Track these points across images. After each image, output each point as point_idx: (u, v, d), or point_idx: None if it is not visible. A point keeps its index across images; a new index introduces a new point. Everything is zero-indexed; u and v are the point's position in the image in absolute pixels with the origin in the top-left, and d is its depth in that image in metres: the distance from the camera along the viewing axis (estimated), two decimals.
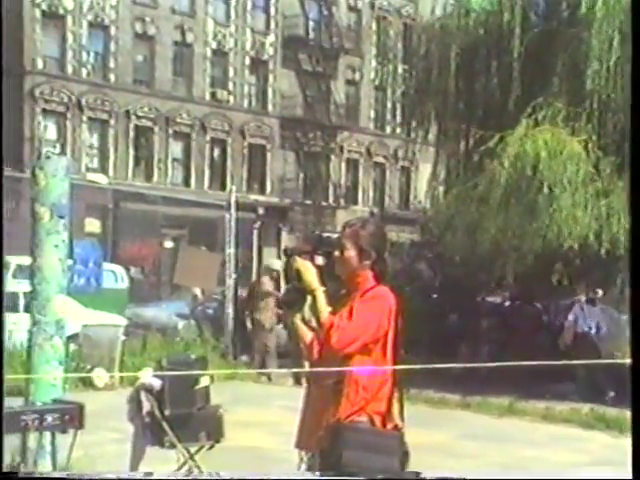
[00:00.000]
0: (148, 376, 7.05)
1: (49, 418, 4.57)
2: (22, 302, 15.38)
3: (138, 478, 4.43)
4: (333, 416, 4.22)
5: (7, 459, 6.51)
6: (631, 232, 4.21)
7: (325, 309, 4.32)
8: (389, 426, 4.32)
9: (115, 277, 23.29)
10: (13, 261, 22.68)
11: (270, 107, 42.13)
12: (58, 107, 35.67)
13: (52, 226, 7.03)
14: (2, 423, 4.01)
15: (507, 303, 17.47)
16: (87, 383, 12.57)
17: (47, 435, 4.79)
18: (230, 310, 16.77)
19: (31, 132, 34.29)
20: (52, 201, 7.02)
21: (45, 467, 5.05)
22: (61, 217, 7.09)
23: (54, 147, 32.12)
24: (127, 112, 37.19)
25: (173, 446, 6.75)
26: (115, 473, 4.46)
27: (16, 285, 17.48)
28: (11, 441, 6.38)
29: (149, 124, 38.09)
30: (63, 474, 4.34)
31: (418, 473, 4.19)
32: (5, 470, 4.09)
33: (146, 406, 6.81)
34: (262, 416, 10.68)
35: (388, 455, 4.19)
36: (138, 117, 37.67)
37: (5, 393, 10.07)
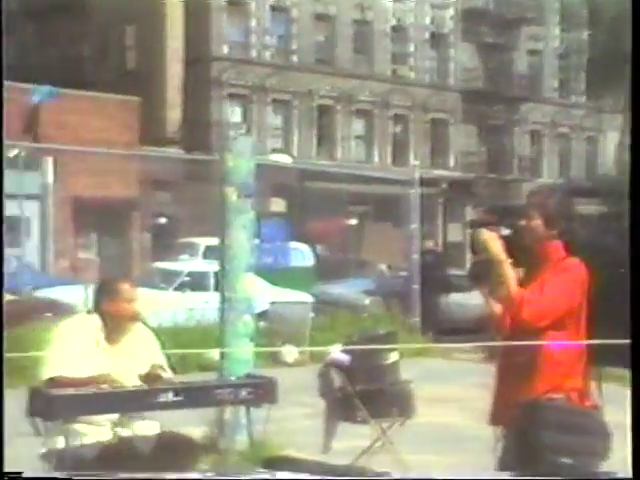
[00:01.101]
0: (338, 352, 7.06)
1: (243, 392, 4.63)
2: (212, 281, 15.81)
3: (142, 478, 4.46)
4: (528, 393, 4.10)
5: (206, 432, 6.68)
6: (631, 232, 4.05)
7: (513, 282, 4.19)
8: (587, 404, 4.16)
9: (301, 255, 23.62)
10: (203, 242, 23.38)
11: (451, 81, 41.71)
12: (243, 91, 36.42)
13: (239, 206, 7.14)
14: (2, 423, 4.09)
15: None
16: (277, 359, 12.77)
17: (242, 409, 4.86)
18: (416, 286, 16.69)
19: (218, 116, 35.11)
20: (239, 181, 7.14)
21: (242, 440, 5.15)
22: (248, 197, 7.20)
23: (240, 130, 32.78)
24: (309, 92, 37.58)
25: (365, 422, 6.72)
26: (114, 474, 4.49)
27: (206, 265, 18.00)
28: (208, 414, 6.55)
29: (331, 103, 38.39)
30: (64, 474, 4.40)
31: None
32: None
33: (337, 382, 6.82)
34: (452, 392, 10.57)
35: (589, 436, 4.02)
36: (320, 96, 38.01)
37: (200, 368, 10.35)
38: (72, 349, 4.79)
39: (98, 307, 4.99)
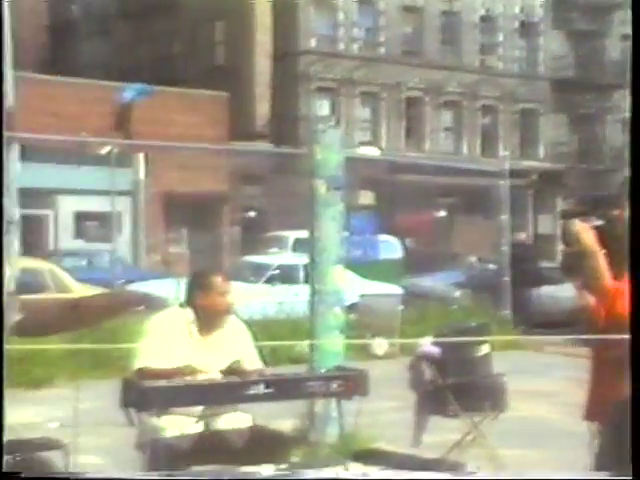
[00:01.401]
0: (428, 344, 7.00)
1: (334, 385, 4.61)
2: (301, 274, 15.87)
3: (142, 479, 4.42)
4: (624, 388, 3.99)
5: (296, 424, 6.68)
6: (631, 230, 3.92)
7: (607, 273, 4.09)
8: None
9: (390, 248, 23.56)
10: (292, 235, 23.49)
11: (541, 70, 41.11)
12: (331, 84, 36.44)
13: (328, 198, 7.14)
14: (2, 423, 4.07)
15: None
16: (367, 352, 12.75)
17: (332, 402, 4.85)
18: (507, 278, 16.51)
19: (306, 110, 35.19)
20: (328, 174, 7.14)
21: (332, 433, 5.13)
22: (337, 189, 7.20)
23: (328, 122, 32.82)
24: (397, 84, 37.42)
25: (457, 416, 6.64)
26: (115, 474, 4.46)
27: (296, 258, 18.08)
28: (299, 407, 6.56)
29: (419, 95, 38.18)
30: (65, 474, 4.37)
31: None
32: (12, 474, 4.15)
33: (427, 374, 6.77)
34: (545, 386, 10.42)
35: None
36: (408, 88, 37.83)
37: (290, 360, 10.38)
38: (165, 341, 4.83)
39: (191, 300, 5.01)
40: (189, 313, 4.96)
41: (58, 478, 4.10)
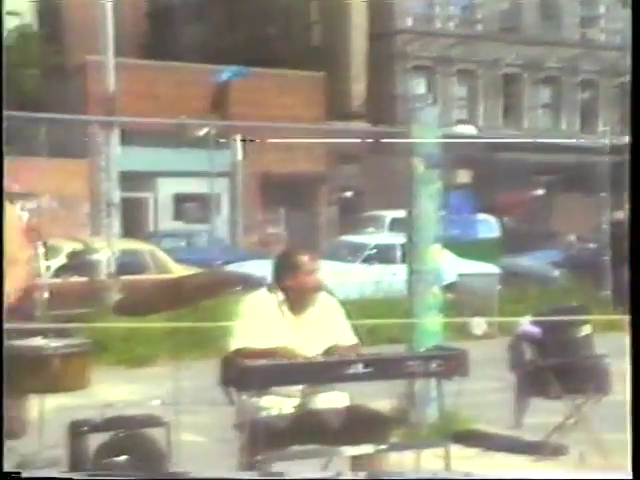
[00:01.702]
0: (528, 324, 6.89)
1: (433, 364, 4.55)
2: (398, 253, 15.81)
3: (149, 479, 4.36)
4: None
5: (394, 405, 6.64)
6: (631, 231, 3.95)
7: None
8: None
9: (488, 227, 23.32)
10: (389, 215, 23.42)
11: None
12: (427, 62, 36.16)
13: (426, 176, 7.08)
14: (2, 423, 4.03)
15: None
16: (465, 332, 12.63)
17: (432, 382, 4.80)
18: (607, 257, 16.16)
19: (402, 89, 35.00)
20: (426, 152, 7.07)
21: (432, 414, 5.09)
22: (435, 167, 7.13)
23: (425, 101, 32.60)
24: (495, 61, 36.91)
25: (558, 398, 6.50)
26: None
27: (393, 237, 18.02)
28: (397, 387, 6.52)
29: (517, 71, 37.61)
30: (65, 474, 4.32)
31: None
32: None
33: (527, 355, 6.65)
34: None
35: None
36: (506, 65, 37.29)
37: (388, 340, 10.34)
38: (258, 322, 4.84)
39: (279, 281, 4.99)
40: (279, 295, 4.94)
41: (58, 478, 4.10)
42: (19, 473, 3.99)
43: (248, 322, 4.84)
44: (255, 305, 4.94)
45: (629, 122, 3.87)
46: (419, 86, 36.14)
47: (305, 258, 4.98)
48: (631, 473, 3.75)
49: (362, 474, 4.38)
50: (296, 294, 4.93)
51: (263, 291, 5.07)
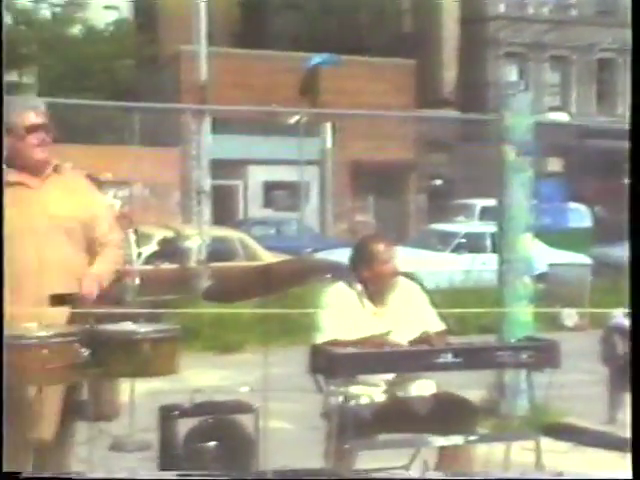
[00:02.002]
0: (620, 316, 6.73)
1: (524, 355, 4.47)
2: (489, 243, 15.65)
3: (145, 479, 4.25)
4: None
5: (484, 395, 6.56)
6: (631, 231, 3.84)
7: None
8: None
9: (579, 216, 22.95)
10: (479, 203, 23.19)
11: None
12: (519, 49, 35.70)
13: (517, 164, 6.98)
14: (2, 423, 3.96)
15: None
16: (557, 323, 12.44)
17: (522, 373, 4.71)
18: None
19: (494, 76, 34.63)
20: (518, 139, 6.97)
21: (522, 405, 5.01)
22: (526, 155, 7.02)
23: (518, 87, 32.19)
24: (589, 46, 36.25)
25: None
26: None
27: (483, 226, 17.84)
28: (486, 378, 6.45)
29: (613, 56, 36.86)
30: (64, 474, 4.23)
31: None
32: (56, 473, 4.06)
33: (620, 348, 6.51)
34: None
35: None
36: (601, 50, 36.59)
37: (478, 330, 10.25)
38: (341, 311, 4.81)
39: (356, 271, 4.94)
40: (357, 286, 4.90)
41: (58, 478, 4.10)
42: (19, 473, 4.02)
43: (333, 311, 4.81)
44: (335, 298, 4.90)
45: (630, 124, 3.82)
46: (511, 73, 35.70)
47: (380, 246, 4.91)
48: (631, 473, 3.63)
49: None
50: (374, 284, 4.88)
51: (342, 284, 5.01)
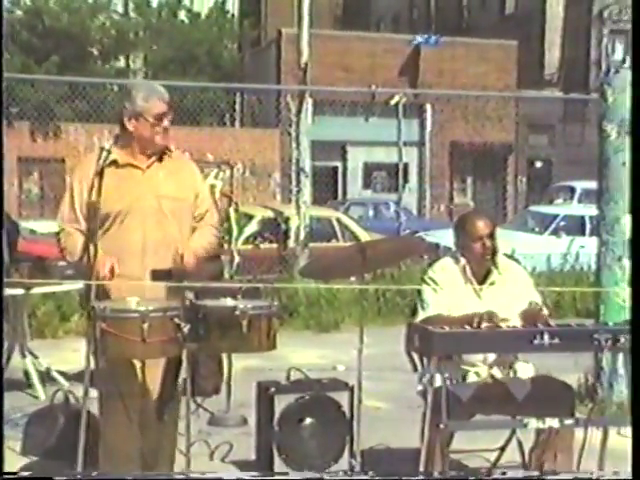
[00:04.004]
0: None
1: (622, 339, 4.37)
2: (588, 225, 15.33)
3: (143, 478, 4.14)
4: None
5: (581, 379, 6.43)
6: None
7: None
8: None
9: None
10: (579, 185, 22.76)
11: None
12: (625, 26, 34.88)
13: (619, 144, 6.79)
14: (2, 424, 3.89)
15: None
16: None
17: (620, 357, 4.60)
18: None
19: (597, 55, 33.94)
20: (620, 117, 6.77)
21: (620, 390, 4.90)
22: (628, 134, 6.84)
23: (622, 65, 31.47)
24: None
25: None
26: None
27: (582, 209, 17.47)
28: (584, 361, 6.32)
29: None
30: (64, 475, 4.13)
31: None
32: (7, 471, 3.98)
33: None
34: None
35: None
36: None
37: (576, 314, 10.07)
38: (446, 286, 4.78)
39: (458, 247, 4.91)
40: (461, 261, 4.87)
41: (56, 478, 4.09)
42: (15, 473, 4.06)
43: (436, 290, 4.79)
44: (441, 273, 4.88)
45: (630, 125, 3.71)
46: (615, 51, 34.92)
47: (480, 223, 4.87)
48: (631, 473, 3.54)
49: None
50: (475, 261, 4.84)
51: (448, 259, 5.01)
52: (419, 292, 4.86)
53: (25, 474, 4.18)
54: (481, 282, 4.85)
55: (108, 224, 4.37)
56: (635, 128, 3.69)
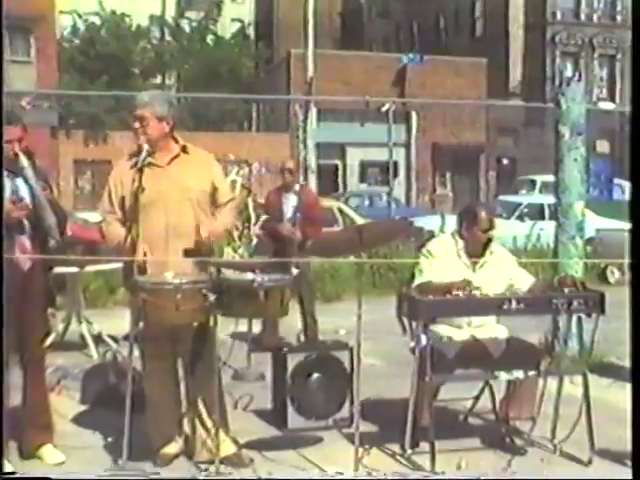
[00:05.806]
0: None
1: (575, 303, 4.36)
2: (547, 211, 15.30)
3: (142, 478, 4.09)
4: None
5: (541, 338, 6.41)
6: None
7: None
8: None
9: (622, 190, 22.28)
10: (539, 179, 22.71)
11: None
12: (573, 49, 34.80)
13: (572, 143, 6.82)
14: (2, 425, 3.82)
15: None
16: (602, 279, 12.11)
17: (573, 318, 4.58)
18: None
19: (551, 71, 33.94)
20: (572, 121, 6.81)
21: (572, 347, 4.90)
22: (579, 134, 6.85)
23: (572, 80, 31.37)
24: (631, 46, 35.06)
25: None
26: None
27: (542, 197, 17.43)
28: (544, 323, 6.31)
29: None
30: (64, 475, 4.07)
31: None
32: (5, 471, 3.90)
33: None
34: None
35: None
36: None
37: None
38: (439, 260, 4.74)
39: (460, 229, 4.87)
40: (459, 241, 4.83)
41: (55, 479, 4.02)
42: (13, 473, 3.97)
43: (431, 261, 4.74)
44: (439, 246, 4.84)
45: (630, 124, 3.56)
46: (566, 69, 34.84)
47: (483, 214, 4.82)
48: (631, 473, 3.41)
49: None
50: (472, 243, 4.79)
51: (445, 236, 4.99)
52: (417, 262, 4.83)
53: (25, 475, 4.07)
54: (476, 259, 4.82)
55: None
56: (635, 136, 3.53)
